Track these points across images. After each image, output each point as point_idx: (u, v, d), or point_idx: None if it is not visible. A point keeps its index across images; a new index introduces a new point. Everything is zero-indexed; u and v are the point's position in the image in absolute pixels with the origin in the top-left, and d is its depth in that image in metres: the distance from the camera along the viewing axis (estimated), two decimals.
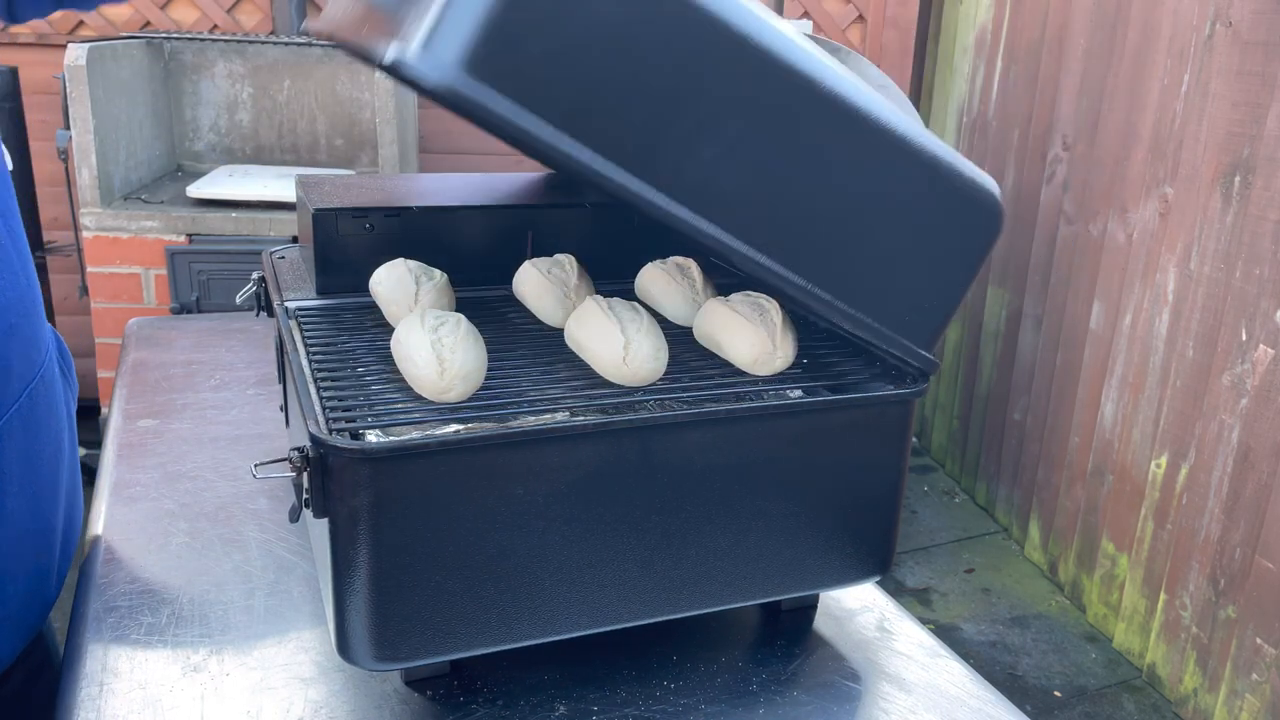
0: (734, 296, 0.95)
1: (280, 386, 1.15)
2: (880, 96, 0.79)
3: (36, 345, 0.91)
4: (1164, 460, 2.46)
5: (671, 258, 1.08)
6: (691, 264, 1.06)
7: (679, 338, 0.96)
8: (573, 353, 0.92)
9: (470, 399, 0.81)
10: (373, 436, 0.78)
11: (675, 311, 1.02)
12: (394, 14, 0.68)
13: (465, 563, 0.77)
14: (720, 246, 0.75)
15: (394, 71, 0.63)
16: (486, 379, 0.83)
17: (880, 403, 0.87)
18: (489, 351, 0.85)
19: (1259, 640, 2.16)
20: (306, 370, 0.86)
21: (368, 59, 0.68)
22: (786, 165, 0.76)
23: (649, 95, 0.69)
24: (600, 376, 0.87)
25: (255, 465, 0.83)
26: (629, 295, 1.02)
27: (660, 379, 0.87)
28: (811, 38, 1.05)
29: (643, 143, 0.70)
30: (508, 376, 0.87)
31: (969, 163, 0.84)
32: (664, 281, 1.04)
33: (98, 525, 1.10)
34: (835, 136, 0.76)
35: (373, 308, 1.00)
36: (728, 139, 0.73)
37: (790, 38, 0.73)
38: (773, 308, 0.92)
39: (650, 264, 1.07)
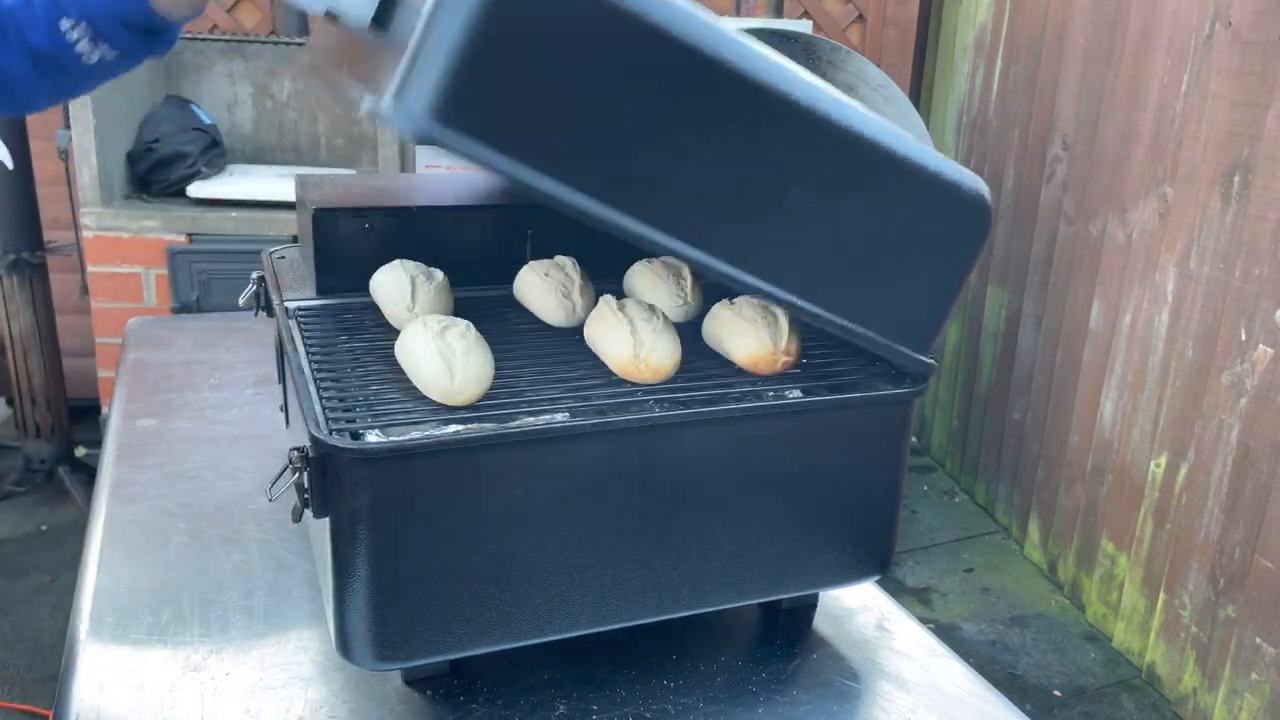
0: (740, 299, 0.96)
1: (280, 386, 1.15)
2: (859, 106, 0.78)
3: None
4: (1163, 460, 2.46)
5: (663, 256, 1.08)
6: (683, 263, 1.06)
7: (682, 338, 0.96)
8: (574, 353, 0.92)
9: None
10: (373, 437, 0.78)
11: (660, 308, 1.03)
12: (372, 56, 0.68)
13: (465, 562, 0.77)
14: (704, 267, 0.75)
15: (372, 118, 0.64)
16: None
17: (880, 403, 0.87)
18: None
19: (1258, 640, 2.16)
20: (306, 370, 0.86)
21: (347, 102, 0.68)
22: (767, 184, 0.75)
23: (622, 128, 0.69)
24: (613, 375, 0.88)
25: (270, 488, 0.82)
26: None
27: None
28: (810, 37, 1.05)
29: (620, 175, 0.70)
30: (509, 378, 0.87)
31: (953, 164, 0.83)
32: (650, 279, 1.05)
33: (98, 525, 1.10)
34: (815, 153, 0.75)
35: (373, 307, 1.00)
36: (703, 163, 0.72)
37: (762, 55, 0.72)
38: (779, 309, 0.92)
39: (640, 261, 1.07)
